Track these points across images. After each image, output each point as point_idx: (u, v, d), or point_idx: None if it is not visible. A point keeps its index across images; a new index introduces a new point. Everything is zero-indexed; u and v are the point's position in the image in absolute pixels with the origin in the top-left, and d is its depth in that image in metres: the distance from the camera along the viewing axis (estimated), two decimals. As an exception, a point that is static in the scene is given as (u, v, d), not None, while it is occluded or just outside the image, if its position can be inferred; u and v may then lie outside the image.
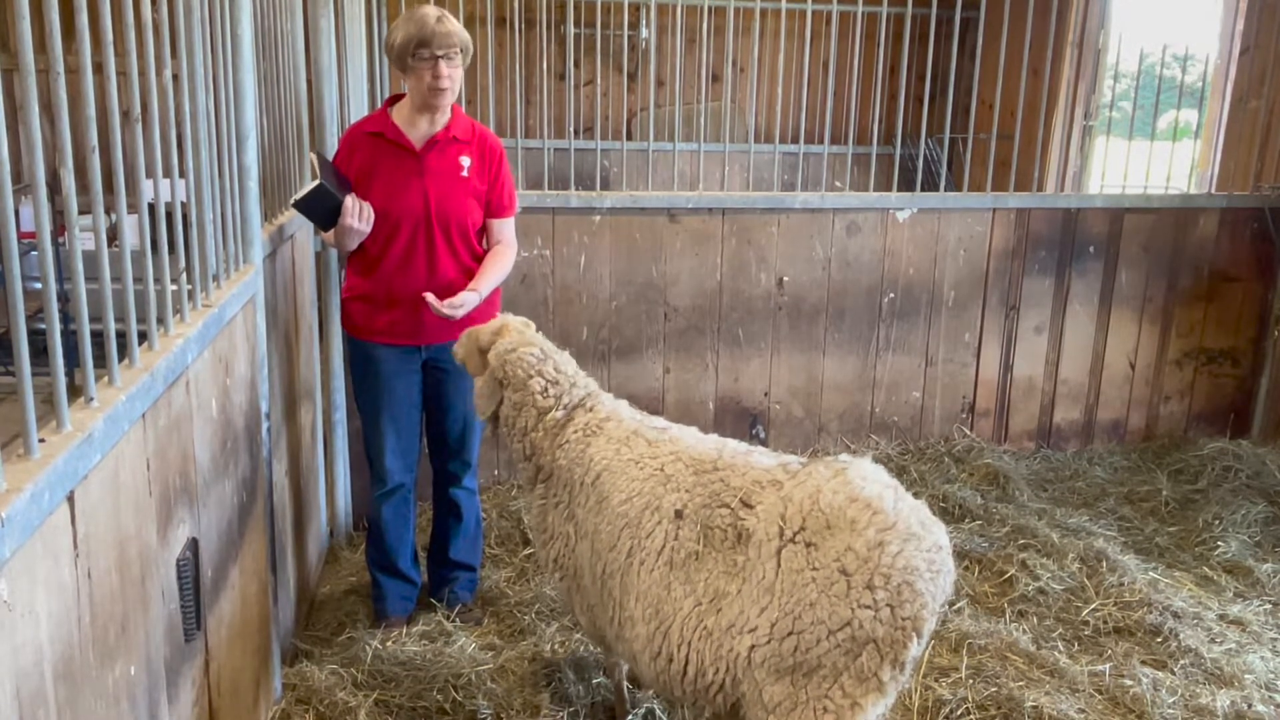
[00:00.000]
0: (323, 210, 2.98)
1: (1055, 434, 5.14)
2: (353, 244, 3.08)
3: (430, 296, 3.01)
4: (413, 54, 2.96)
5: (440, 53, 2.95)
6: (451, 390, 3.26)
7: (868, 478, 2.14)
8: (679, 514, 2.30)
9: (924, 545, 2.04)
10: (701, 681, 2.22)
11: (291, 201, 3.00)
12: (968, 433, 5.01)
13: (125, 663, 1.59)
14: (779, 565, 2.10)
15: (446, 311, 3.01)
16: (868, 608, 1.99)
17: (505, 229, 3.29)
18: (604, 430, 2.59)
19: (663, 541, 2.31)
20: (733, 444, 2.47)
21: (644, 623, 2.31)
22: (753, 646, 2.11)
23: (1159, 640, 3.34)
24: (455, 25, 3.00)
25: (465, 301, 3.05)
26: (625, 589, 2.37)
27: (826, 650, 2.03)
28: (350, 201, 2.97)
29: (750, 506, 2.21)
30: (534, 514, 2.73)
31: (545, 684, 3.03)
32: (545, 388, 2.65)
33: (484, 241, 3.29)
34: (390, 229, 3.08)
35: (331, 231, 3.05)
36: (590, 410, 2.65)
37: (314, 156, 3.01)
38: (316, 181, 2.91)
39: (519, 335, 2.74)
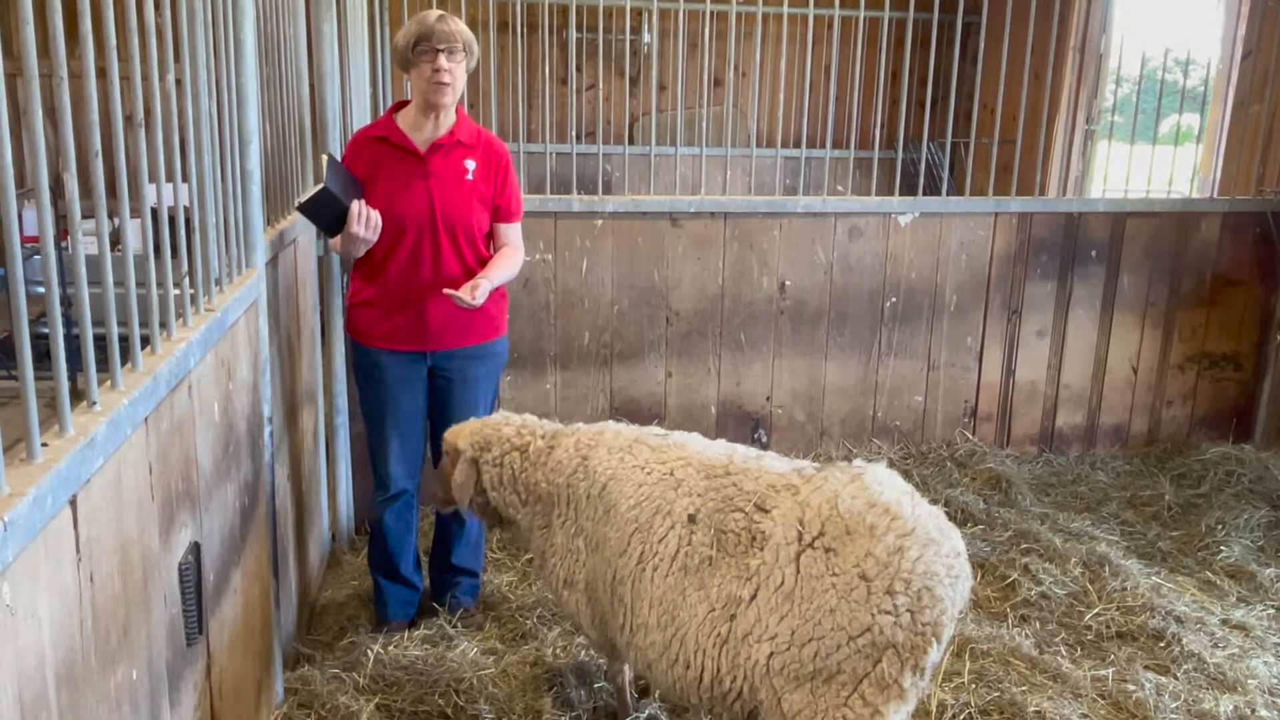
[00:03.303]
0: (328, 216, 2.96)
1: (1057, 438, 5.13)
2: (359, 252, 3.07)
3: (449, 290, 2.98)
4: (413, 49, 2.99)
5: (440, 46, 2.97)
6: (456, 397, 3.26)
7: (884, 483, 2.14)
8: (692, 519, 2.29)
9: (943, 551, 2.04)
10: (718, 689, 2.21)
11: (296, 205, 2.99)
12: (970, 437, 5.01)
13: (127, 666, 1.59)
14: (798, 571, 2.09)
15: (468, 299, 2.96)
16: (888, 613, 1.99)
17: (512, 233, 3.29)
18: (601, 441, 2.59)
19: (676, 546, 2.30)
20: (742, 449, 2.46)
21: (659, 629, 2.30)
22: (771, 654, 2.10)
23: (1162, 645, 3.33)
24: (458, 25, 3.02)
25: (481, 288, 3.01)
26: (638, 595, 2.36)
27: (847, 656, 2.02)
28: (357, 208, 2.96)
29: (766, 510, 2.20)
30: (536, 543, 2.72)
31: (547, 688, 3.02)
32: (517, 429, 2.74)
33: (490, 247, 3.28)
34: (395, 232, 3.08)
35: (338, 238, 3.05)
36: (574, 433, 2.68)
37: (325, 157, 2.98)
38: (320, 185, 2.89)
39: (471, 422, 2.87)
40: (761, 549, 2.17)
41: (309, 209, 2.93)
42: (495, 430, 2.75)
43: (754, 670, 2.13)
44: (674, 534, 2.31)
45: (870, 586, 2.01)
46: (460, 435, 2.81)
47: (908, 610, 2.00)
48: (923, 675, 2.06)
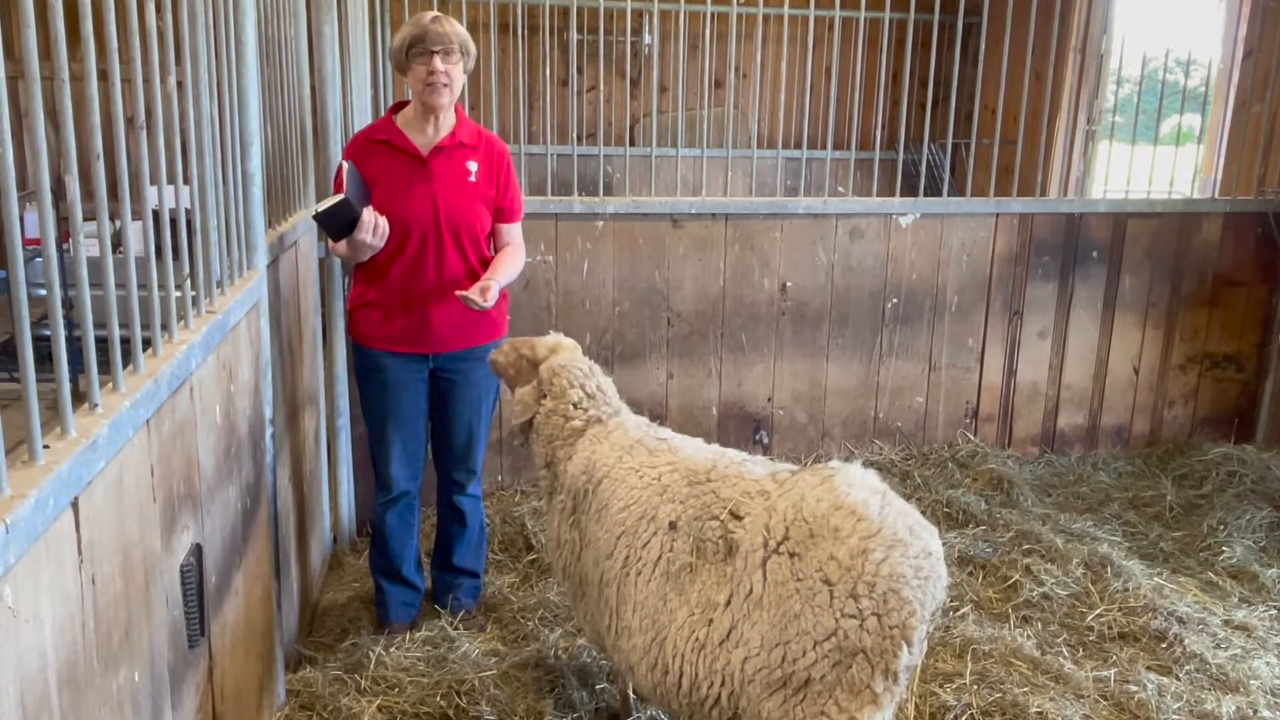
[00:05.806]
0: (341, 223, 2.97)
1: (1059, 439, 5.13)
2: (363, 257, 3.08)
3: (461, 293, 2.99)
4: (408, 51, 3.01)
5: (435, 48, 2.99)
6: (458, 399, 3.26)
7: (854, 484, 2.09)
8: (673, 526, 2.31)
9: (910, 551, 1.99)
10: (696, 695, 2.20)
11: (313, 214, 2.99)
12: (971, 438, 5.00)
13: (129, 669, 1.59)
14: (765, 577, 2.08)
15: (480, 301, 2.97)
16: (853, 617, 1.96)
17: (513, 233, 3.30)
18: (609, 439, 2.63)
19: (659, 552, 2.31)
20: (731, 454, 2.46)
21: (641, 633, 2.31)
22: (745, 659, 2.10)
23: (1164, 646, 3.33)
24: (453, 26, 3.03)
25: (492, 290, 3.03)
26: (622, 598, 2.37)
27: (814, 662, 2.00)
28: (368, 215, 2.97)
29: (739, 518, 2.20)
30: (547, 522, 2.80)
31: (549, 690, 3.02)
32: (581, 399, 2.74)
33: (492, 247, 3.29)
34: (399, 235, 3.08)
35: (342, 243, 3.04)
36: (603, 423, 2.72)
37: (346, 166, 2.99)
38: (341, 195, 2.91)
39: (571, 354, 2.86)
40: (735, 558, 2.16)
41: (325, 217, 2.93)
42: (569, 384, 2.75)
43: (731, 676, 2.13)
44: (657, 540, 2.32)
45: (833, 591, 1.97)
46: (551, 360, 2.81)
47: (873, 614, 1.95)
48: (895, 679, 2.01)
